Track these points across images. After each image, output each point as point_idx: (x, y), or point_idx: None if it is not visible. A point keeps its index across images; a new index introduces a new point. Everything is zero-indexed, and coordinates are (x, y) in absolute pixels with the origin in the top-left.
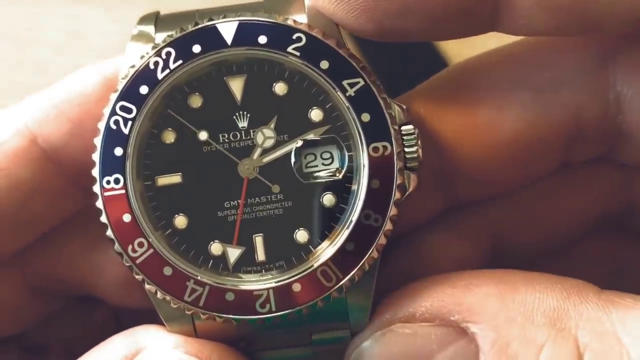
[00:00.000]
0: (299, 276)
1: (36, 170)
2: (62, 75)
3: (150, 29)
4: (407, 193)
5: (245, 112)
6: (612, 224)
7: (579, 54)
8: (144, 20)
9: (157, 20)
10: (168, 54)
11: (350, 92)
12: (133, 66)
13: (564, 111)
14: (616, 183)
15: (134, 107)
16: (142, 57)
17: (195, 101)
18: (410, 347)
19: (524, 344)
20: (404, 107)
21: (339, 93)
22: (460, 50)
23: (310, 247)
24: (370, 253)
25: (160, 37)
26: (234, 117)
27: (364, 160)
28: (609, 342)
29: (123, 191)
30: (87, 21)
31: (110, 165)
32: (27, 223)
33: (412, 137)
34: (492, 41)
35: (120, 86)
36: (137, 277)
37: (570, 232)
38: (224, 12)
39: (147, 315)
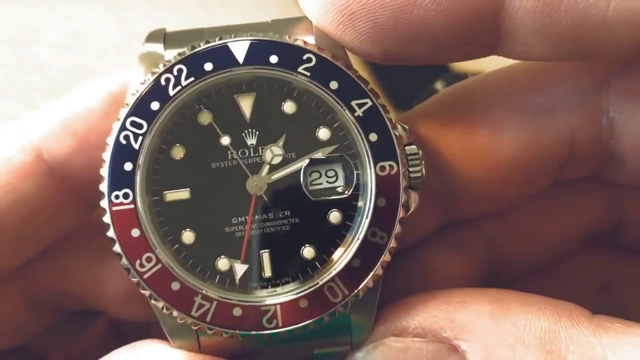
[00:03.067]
0: (305, 292)
1: (40, 185)
2: (62, 75)
3: (159, 47)
4: (410, 211)
5: (254, 130)
6: (602, 240)
7: (574, 79)
8: (151, 38)
9: (165, 38)
10: (180, 70)
11: (359, 112)
12: (144, 82)
13: (558, 134)
14: (606, 201)
15: (144, 123)
16: (153, 73)
17: (205, 118)
18: None
19: None
20: (407, 127)
21: (347, 113)
22: None
23: (317, 263)
24: (375, 270)
25: (170, 55)
26: (243, 134)
27: (372, 179)
28: None
29: (132, 206)
30: (87, 21)
31: (120, 180)
32: (30, 237)
33: (416, 157)
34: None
35: (131, 101)
36: (144, 292)
37: (562, 247)
38: (234, 31)
39: (149, 326)
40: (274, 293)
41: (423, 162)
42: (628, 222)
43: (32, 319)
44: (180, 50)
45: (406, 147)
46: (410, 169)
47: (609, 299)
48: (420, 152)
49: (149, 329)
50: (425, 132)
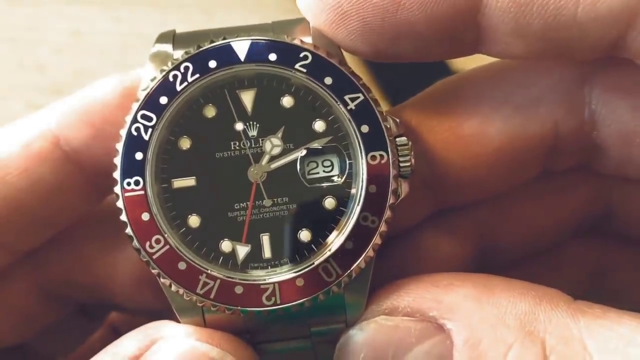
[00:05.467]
0: (302, 272)
1: (57, 170)
2: (62, 75)
3: (168, 47)
4: (400, 198)
5: (255, 122)
6: (592, 228)
7: (558, 73)
8: (161, 38)
9: (175, 38)
10: (186, 68)
11: (351, 105)
12: (154, 79)
13: (542, 126)
14: (594, 190)
15: (154, 116)
16: (162, 70)
17: (210, 111)
18: (391, 338)
19: (494, 343)
20: (398, 120)
21: (341, 106)
22: None
23: (313, 245)
24: (367, 252)
25: (178, 54)
26: (245, 126)
27: (363, 168)
28: (574, 347)
29: (142, 192)
30: (87, 21)
31: (131, 168)
32: (45, 220)
33: (406, 147)
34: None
35: (142, 96)
36: (153, 271)
37: (552, 234)
38: (237, 32)
39: None
40: (273, 273)
41: (412, 152)
42: (617, 210)
43: (41, 312)
44: (187, 50)
45: (397, 139)
46: (400, 159)
47: (600, 285)
48: (410, 143)
49: None
50: (417, 123)
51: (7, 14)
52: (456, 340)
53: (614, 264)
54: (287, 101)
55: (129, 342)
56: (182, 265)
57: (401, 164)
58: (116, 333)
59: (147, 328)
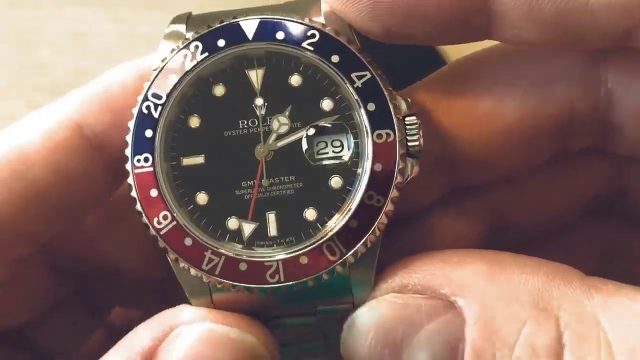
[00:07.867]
0: (306, 250)
1: (80, 159)
2: (62, 75)
3: (181, 27)
4: (408, 178)
5: (263, 101)
6: (604, 209)
7: (574, 52)
8: (176, 20)
9: (188, 20)
10: (196, 47)
11: (358, 83)
12: (164, 59)
13: (557, 104)
14: (608, 171)
15: (163, 94)
16: (173, 50)
17: (219, 90)
18: (401, 316)
19: (507, 319)
20: (409, 100)
21: (347, 84)
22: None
23: (318, 224)
24: (372, 231)
25: (190, 35)
26: (253, 105)
27: (369, 146)
28: (588, 323)
29: (151, 169)
30: (87, 21)
31: (141, 145)
32: (69, 209)
33: (414, 126)
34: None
35: (153, 75)
36: (160, 246)
37: (564, 214)
38: (248, 13)
39: None
40: (278, 250)
41: (421, 131)
42: (630, 191)
43: (52, 286)
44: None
45: (406, 118)
46: (409, 138)
47: (611, 266)
48: (419, 122)
49: None
50: (430, 102)
51: (7, 14)
52: (468, 317)
53: (625, 245)
54: (295, 80)
55: (144, 333)
56: (188, 242)
57: (409, 143)
58: (120, 331)
59: (161, 316)
